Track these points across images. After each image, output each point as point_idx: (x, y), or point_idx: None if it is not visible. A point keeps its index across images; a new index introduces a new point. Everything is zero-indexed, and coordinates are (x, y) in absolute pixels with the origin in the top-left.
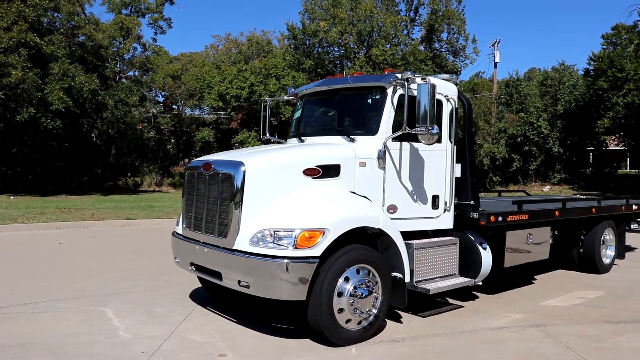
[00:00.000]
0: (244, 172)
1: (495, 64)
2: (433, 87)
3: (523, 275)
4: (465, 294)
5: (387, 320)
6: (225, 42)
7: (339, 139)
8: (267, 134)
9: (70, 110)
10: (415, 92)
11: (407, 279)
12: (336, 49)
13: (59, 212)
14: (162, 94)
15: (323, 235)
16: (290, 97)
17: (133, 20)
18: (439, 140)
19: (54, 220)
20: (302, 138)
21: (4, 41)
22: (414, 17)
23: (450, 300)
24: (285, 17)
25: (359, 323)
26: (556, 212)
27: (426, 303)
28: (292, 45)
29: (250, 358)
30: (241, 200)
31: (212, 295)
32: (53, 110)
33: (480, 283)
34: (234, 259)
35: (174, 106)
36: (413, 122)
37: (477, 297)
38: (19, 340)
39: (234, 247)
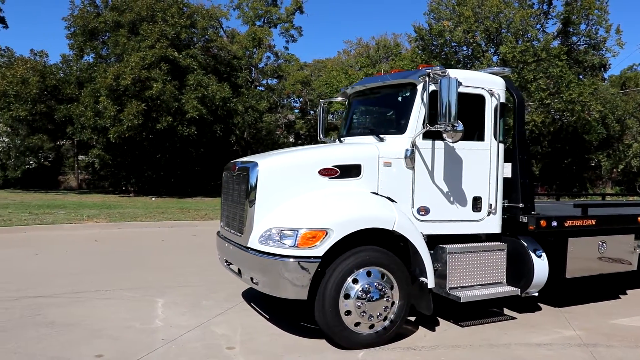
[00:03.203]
0: (258, 172)
1: None
2: (455, 81)
3: (611, 288)
4: (527, 305)
5: (419, 326)
6: (357, 47)
7: (370, 139)
8: (322, 136)
9: (203, 117)
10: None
11: (431, 285)
12: (464, 48)
13: (178, 212)
14: (299, 100)
15: (326, 235)
16: (342, 98)
17: (265, 30)
18: (481, 138)
19: (169, 219)
20: (342, 139)
21: (148, 58)
22: (548, 10)
23: (506, 311)
24: (417, 18)
25: (371, 327)
26: (639, 219)
27: (478, 312)
28: (420, 47)
29: (254, 353)
30: (255, 199)
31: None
32: (188, 118)
33: (536, 294)
34: (246, 256)
35: (310, 112)
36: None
37: (539, 309)
38: (72, 320)
39: (247, 245)
